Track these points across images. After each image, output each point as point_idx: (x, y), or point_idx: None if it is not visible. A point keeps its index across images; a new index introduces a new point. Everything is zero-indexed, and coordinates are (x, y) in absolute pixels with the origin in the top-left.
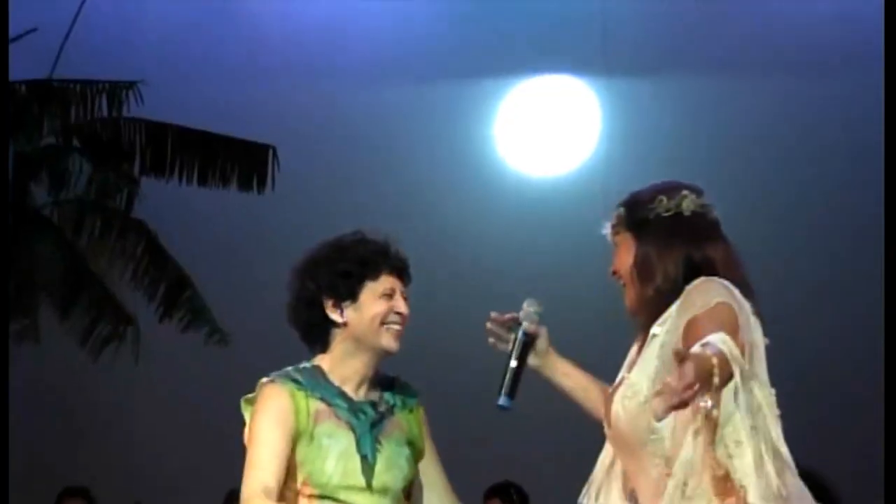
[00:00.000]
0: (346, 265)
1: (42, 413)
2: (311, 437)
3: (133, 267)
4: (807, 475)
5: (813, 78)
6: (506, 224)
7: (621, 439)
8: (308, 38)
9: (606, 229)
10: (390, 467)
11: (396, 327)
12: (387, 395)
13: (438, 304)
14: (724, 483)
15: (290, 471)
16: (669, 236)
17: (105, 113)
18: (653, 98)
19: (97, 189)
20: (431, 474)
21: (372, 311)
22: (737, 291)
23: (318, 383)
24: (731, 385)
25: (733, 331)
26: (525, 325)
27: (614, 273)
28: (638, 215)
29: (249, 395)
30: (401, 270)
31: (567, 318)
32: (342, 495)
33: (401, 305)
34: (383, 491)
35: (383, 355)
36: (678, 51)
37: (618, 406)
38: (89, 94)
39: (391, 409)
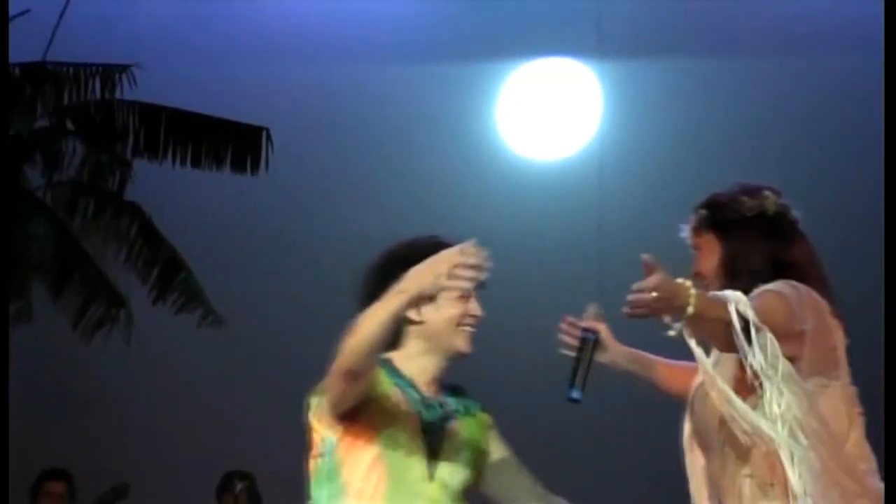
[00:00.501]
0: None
1: (33, 394)
2: (385, 413)
3: (126, 249)
4: None
5: (814, 60)
6: (505, 207)
7: (703, 438)
8: (303, 20)
9: (685, 232)
10: (452, 464)
11: (471, 329)
12: (450, 400)
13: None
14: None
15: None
16: (754, 236)
17: (98, 95)
18: (653, 81)
19: (90, 171)
20: (510, 478)
21: (449, 311)
22: (805, 289)
23: (392, 371)
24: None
25: (776, 313)
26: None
27: (697, 274)
28: (721, 216)
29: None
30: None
31: (564, 300)
32: (407, 477)
33: (476, 308)
34: (443, 485)
35: (454, 357)
36: (678, 33)
37: (699, 406)
38: (83, 76)
39: (454, 413)
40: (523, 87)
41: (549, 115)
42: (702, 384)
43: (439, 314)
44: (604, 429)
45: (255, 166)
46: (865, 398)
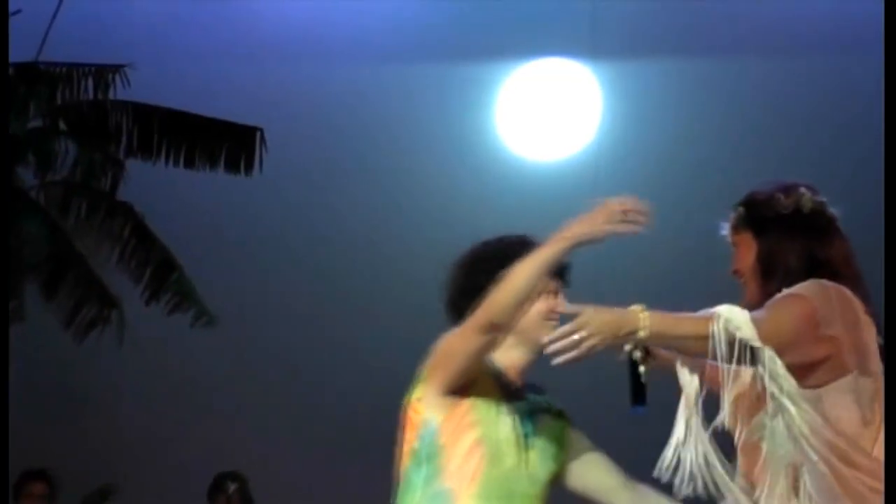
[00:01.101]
0: (517, 259)
1: (25, 393)
2: (486, 396)
3: (119, 249)
4: None
5: (812, 60)
6: (502, 208)
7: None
8: (298, 20)
9: (725, 230)
10: (541, 457)
11: (556, 324)
12: (535, 397)
13: (432, 290)
14: None
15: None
16: (791, 233)
17: (91, 95)
18: (650, 82)
19: (83, 171)
20: (601, 471)
21: (538, 306)
22: (834, 287)
23: (487, 360)
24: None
25: (796, 321)
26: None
27: (735, 272)
28: (758, 214)
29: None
30: (564, 272)
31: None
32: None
33: (562, 306)
34: (533, 477)
35: (540, 350)
36: (676, 35)
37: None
38: (76, 76)
39: (542, 407)
40: (521, 87)
41: (547, 115)
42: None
43: (529, 308)
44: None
45: (248, 167)
46: None
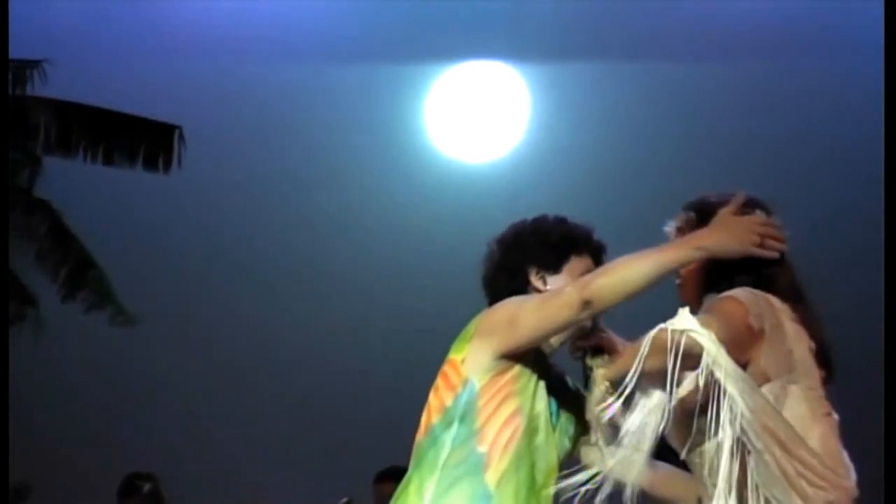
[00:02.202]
0: (555, 239)
1: None
2: (531, 368)
3: (36, 247)
4: None
5: (751, 62)
6: (432, 210)
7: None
8: (222, 19)
9: (670, 227)
10: (562, 433)
11: None
12: (558, 374)
13: (356, 288)
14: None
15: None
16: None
17: (10, 91)
18: (580, 84)
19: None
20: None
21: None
22: (761, 294)
23: None
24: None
25: (736, 320)
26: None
27: (675, 274)
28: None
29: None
30: (600, 255)
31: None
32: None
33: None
34: (556, 451)
35: (574, 328)
36: (608, 37)
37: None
38: None
39: (564, 385)
40: (450, 90)
41: (476, 117)
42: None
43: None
44: None
45: (167, 165)
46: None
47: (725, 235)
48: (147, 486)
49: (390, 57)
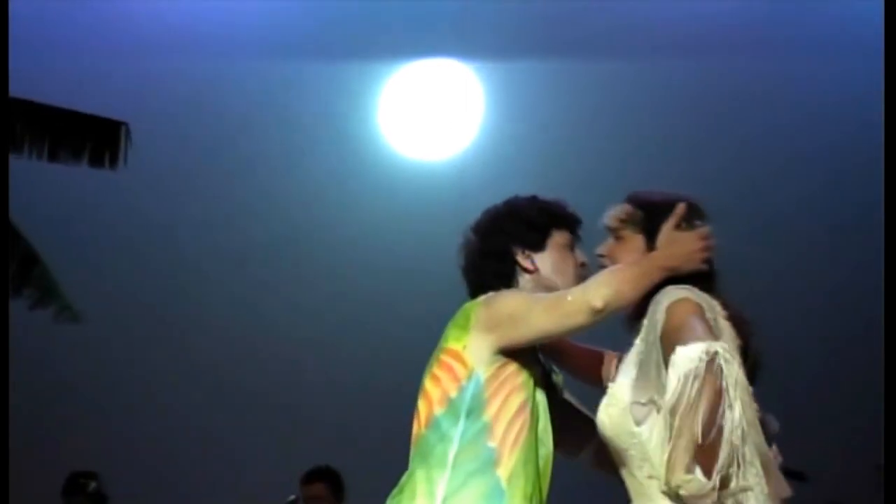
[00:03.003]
0: (535, 217)
1: None
2: (531, 358)
3: None
4: None
5: (704, 60)
6: (386, 208)
7: (609, 445)
8: (173, 15)
9: (609, 220)
10: (552, 421)
11: (587, 274)
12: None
13: (317, 291)
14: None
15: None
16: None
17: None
18: (537, 82)
19: None
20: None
21: (566, 261)
22: (699, 292)
23: None
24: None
25: (702, 323)
26: None
27: (603, 257)
28: (656, 227)
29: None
30: (577, 226)
31: (451, 304)
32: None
33: (582, 256)
34: (550, 439)
35: None
36: (563, 34)
37: (602, 414)
38: None
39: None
40: (403, 87)
41: (430, 115)
42: (605, 397)
43: (549, 263)
44: None
45: (113, 161)
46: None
47: (684, 256)
48: (92, 485)
49: (344, 54)
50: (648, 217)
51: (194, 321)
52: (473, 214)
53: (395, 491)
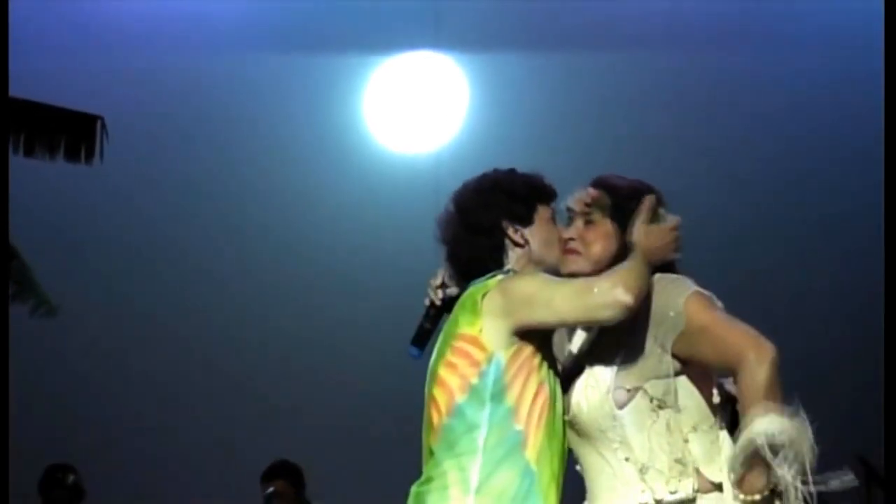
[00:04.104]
0: (522, 190)
1: None
2: (546, 338)
3: None
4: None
5: (691, 52)
6: (370, 201)
7: (581, 426)
8: (151, 7)
9: (577, 204)
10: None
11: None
12: None
13: (300, 281)
14: (681, 465)
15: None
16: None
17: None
18: (521, 74)
19: None
20: None
21: (552, 234)
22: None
23: None
24: (681, 378)
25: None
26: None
27: (571, 240)
28: (624, 213)
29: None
30: (554, 199)
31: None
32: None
33: (569, 231)
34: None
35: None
36: (547, 26)
37: (580, 396)
38: None
39: None
40: (387, 80)
41: (415, 108)
42: (582, 375)
43: (539, 236)
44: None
45: (89, 155)
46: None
47: (663, 248)
48: (71, 478)
49: (328, 47)
50: (616, 202)
51: (173, 314)
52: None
53: (421, 481)
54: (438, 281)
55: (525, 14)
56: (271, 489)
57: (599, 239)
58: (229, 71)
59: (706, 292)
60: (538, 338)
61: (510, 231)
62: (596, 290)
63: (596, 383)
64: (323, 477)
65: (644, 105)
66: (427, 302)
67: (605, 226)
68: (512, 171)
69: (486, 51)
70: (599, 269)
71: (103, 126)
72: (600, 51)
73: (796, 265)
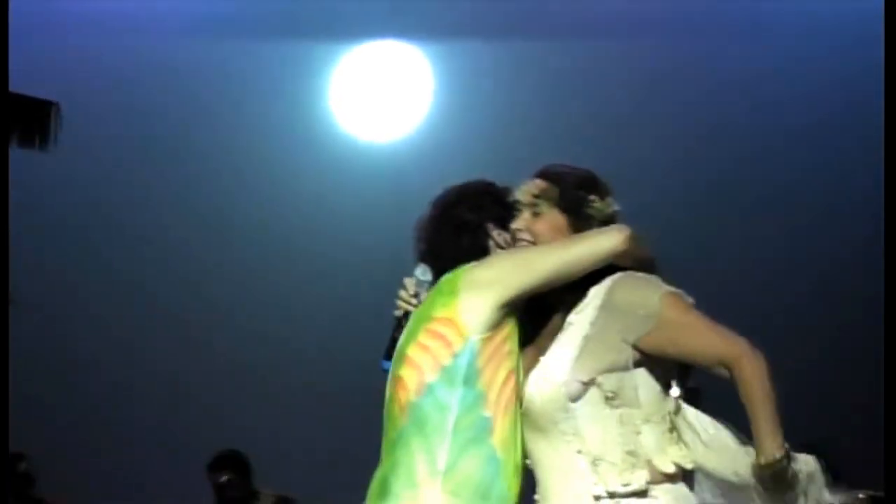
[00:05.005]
0: (503, 195)
1: None
2: (517, 331)
3: None
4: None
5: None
6: (337, 189)
7: (533, 417)
8: None
9: (524, 195)
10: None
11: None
12: None
13: (267, 271)
14: (633, 458)
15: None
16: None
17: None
18: (486, 63)
19: None
20: None
21: (503, 235)
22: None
23: None
24: (637, 371)
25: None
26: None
27: (520, 231)
28: (572, 202)
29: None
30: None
31: (396, 281)
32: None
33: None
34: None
35: None
36: (513, 14)
37: (533, 388)
38: None
39: None
40: (354, 68)
41: (386, 97)
42: (536, 367)
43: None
44: None
45: (43, 142)
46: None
47: (625, 243)
48: (22, 465)
49: (294, 35)
50: (563, 192)
51: (129, 302)
52: (424, 193)
53: (386, 465)
54: (412, 291)
55: (490, 3)
56: (223, 479)
57: (548, 230)
58: (192, 58)
59: (679, 290)
60: (511, 324)
61: (494, 233)
62: (602, 232)
63: (550, 375)
64: (270, 466)
65: (608, 93)
66: (400, 313)
67: (554, 216)
68: (490, 184)
69: (450, 39)
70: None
71: (58, 112)
72: (565, 39)
73: (789, 261)
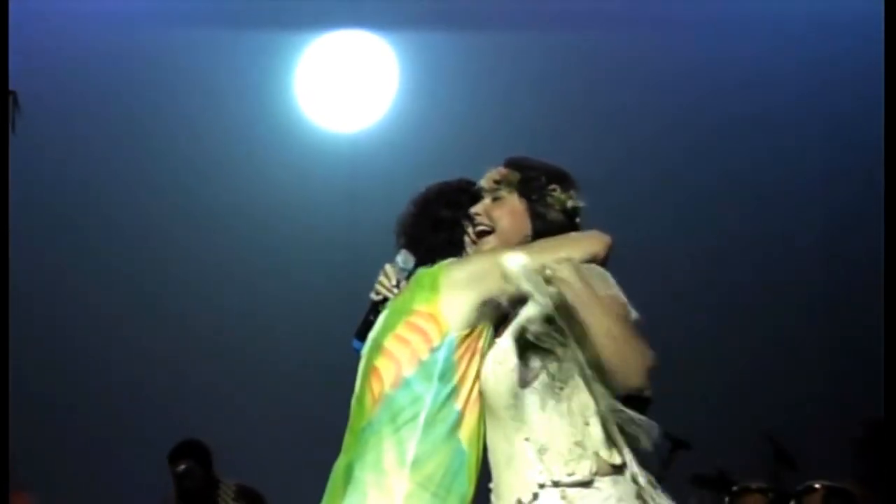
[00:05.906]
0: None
1: None
2: (489, 328)
3: None
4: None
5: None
6: (302, 179)
7: (488, 403)
8: None
9: (485, 181)
10: None
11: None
12: None
13: (233, 262)
14: (580, 448)
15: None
16: (560, 227)
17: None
18: (452, 53)
19: None
20: None
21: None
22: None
23: None
24: (581, 359)
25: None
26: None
27: (479, 216)
28: (532, 189)
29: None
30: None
31: (369, 273)
32: None
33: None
34: None
35: None
36: (478, 7)
37: (487, 369)
38: None
39: None
40: (319, 58)
41: (351, 87)
42: (492, 351)
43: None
44: None
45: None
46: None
47: (604, 247)
48: None
49: (259, 23)
50: (524, 178)
51: (93, 293)
52: (388, 185)
53: (347, 446)
54: (393, 279)
55: None
56: (181, 468)
57: (506, 215)
58: (155, 49)
59: (622, 297)
60: (489, 319)
61: (470, 229)
62: (585, 236)
63: (504, 359)
64: (231, 455)
65: (575, 86)
66: (377, 297)
67: (512, 201)
68: (468, 181)
69: (415, 29)
70: (509, 246)
71: (15, 101)
72: (532, 31)
73: (789, 272)
